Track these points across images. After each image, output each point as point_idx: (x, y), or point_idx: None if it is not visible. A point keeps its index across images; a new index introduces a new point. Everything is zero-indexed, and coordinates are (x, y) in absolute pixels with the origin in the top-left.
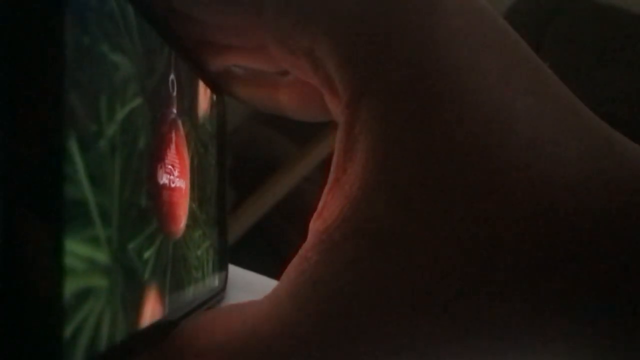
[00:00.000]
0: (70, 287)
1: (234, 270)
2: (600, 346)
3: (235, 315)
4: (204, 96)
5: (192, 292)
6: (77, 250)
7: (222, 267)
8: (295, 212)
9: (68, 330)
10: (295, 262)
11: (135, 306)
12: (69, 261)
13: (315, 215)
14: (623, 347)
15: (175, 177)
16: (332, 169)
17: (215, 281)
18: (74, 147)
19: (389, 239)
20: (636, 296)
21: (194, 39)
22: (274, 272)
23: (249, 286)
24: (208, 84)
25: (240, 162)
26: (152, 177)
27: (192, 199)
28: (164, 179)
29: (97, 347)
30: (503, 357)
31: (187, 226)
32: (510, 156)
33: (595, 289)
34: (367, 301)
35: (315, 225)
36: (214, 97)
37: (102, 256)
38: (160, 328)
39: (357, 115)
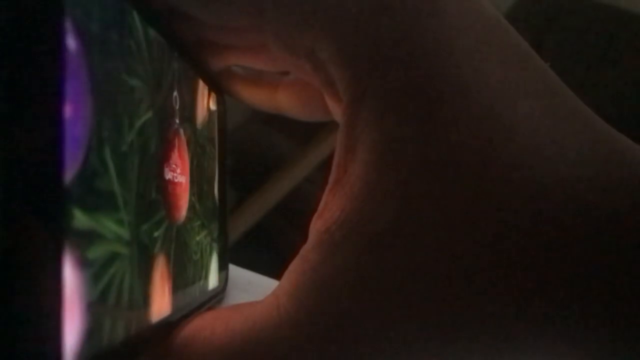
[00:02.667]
0: (105, 250)
1: (234, 270)
2: (602, 348)
3: (236, 316)
4: (202, 106)
5: (193, 274)
6: (109, 227)
7: (222, 267)
8: (295, 212)
9: (103, 280)
10: (295, 262)
11: (147, 269)
12: (104, 232)
13: (316, 215)
14: (624, 350)
15: (178, 174)
16: (333, 169)
17: (215, 281)
18: (107, 152)
19: (390, 239)
20: (638, 298)
21: (195, 39)
22: (274, 272)
23: (249, 286)
24: (208, 83)
25: (240, 162)
26: (160, 174)
27: (191, 193)
28: (169, 175)
29: (121, 299)
30: (506, 357)
31: (188, 215)
32: (511, 157)
33: (597, 290)
34: (367, 302)
35: (316, 226)
36: (215, 97)
37: (124, 233)
38: (162, 328)
39: (358, 116)
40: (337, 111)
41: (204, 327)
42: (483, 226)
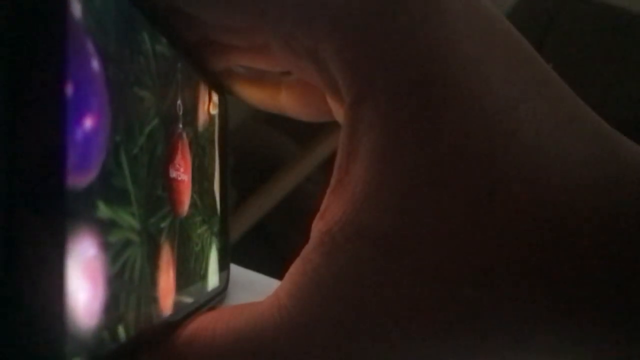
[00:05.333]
0: (121, 237)
1: (235, 270)
2: (605, 347)
3: (237, 317)
4: (203, 111)
5: (194, 265)
6: (124, 218)
7: (223, 267)
8: (296, 212)
9: (120, 261)
10: (297, 263)
11: (155, 255)
12: (121, 222)
13: (317, 216)
14: (625, 351)
15: (181, 173)
16: (335, 170)
17: (216, 281)
18: (122, 155)
19: (391, 241)
20: (638, 300)
21: (197, 39)
22: (274, 271)
23: (250, 285)
24: (210, 83)
25: (242, 161)
26: (166, 173)
27: (193, 191)
28: (173, 175)
29: (133, 277)
30: (511, 357)
31: (190, 210)
32: (513, 159)
33: (601, 291)
34: (368, 304)
35: (318, 227)
36: (216, 98)
37: (135, 224)
38: (164, 327)
39: (361, 117)
40: (339, 112)
41: (205, 327)
42: (485, 228)
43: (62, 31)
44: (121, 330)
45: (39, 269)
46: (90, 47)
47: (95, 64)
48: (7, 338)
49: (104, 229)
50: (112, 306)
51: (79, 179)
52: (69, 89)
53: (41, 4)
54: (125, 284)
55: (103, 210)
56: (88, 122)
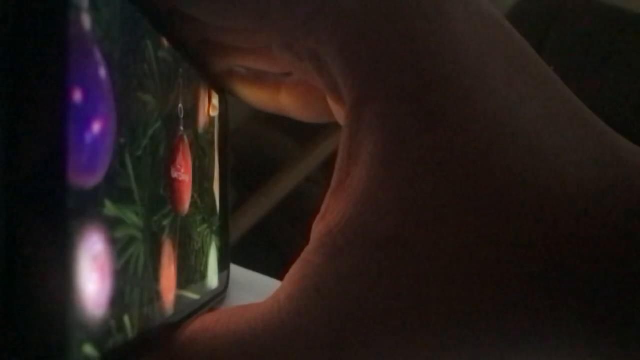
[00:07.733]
0: (126, 233)
1: (235, 270)
2: (603, 348)
3: (237, 318)
4: (203, 113)
5: (195, 262)
6: (129, 215)
7: (224, 268)
8: (296, 212)
9: (125, 256)
10: (297, 265)
11: (157, 251)
12: (126, 220)
13: (318, 218)
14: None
15: (182, 173)
16: (335, 171)
17: (216, 281)
18: (127, 156)
19: (392, 243)
20: (637, 303)
21: (198, 40)
22: (275, 272)
23: (250, 286)
24: (211, 84)
25: (242, 161)
26: (167, 173)
27: (194, 190)
28: (175, 175)
29: (137, 271)
30: (510, 356)
31: (190, 209)
32: (513, 162)
33: (602, 293)
34: (370, 306)
35: (318, 229)
36: (217, 98)
37: (139, 222)
38: (165, 328)
39: (362, 119)
40: (340, 113)
41: (206, 328)
42: (486, 229)
43: (70, 43)
44: (127, 321)
45: (49, 260)
46: (97, 55)
47: (102, 71)
48: (16, 326)
49: (110, 225)
50: (118, 298)
51: (88, 179)
52: (77, 96)
53: (52, 20)
54: (129, 278)
55: (110, 208)
56: (96, 127)
